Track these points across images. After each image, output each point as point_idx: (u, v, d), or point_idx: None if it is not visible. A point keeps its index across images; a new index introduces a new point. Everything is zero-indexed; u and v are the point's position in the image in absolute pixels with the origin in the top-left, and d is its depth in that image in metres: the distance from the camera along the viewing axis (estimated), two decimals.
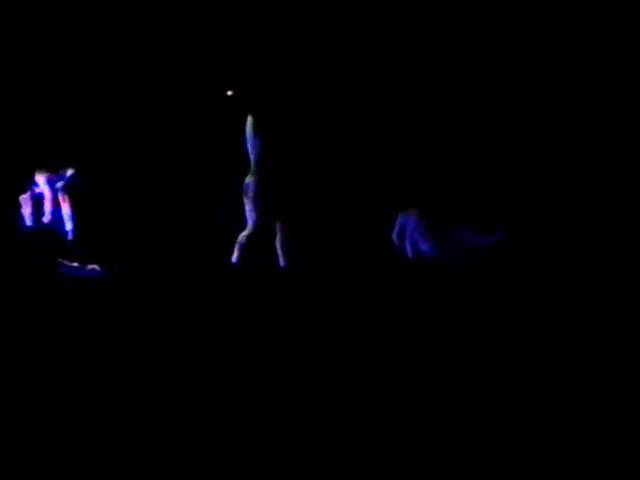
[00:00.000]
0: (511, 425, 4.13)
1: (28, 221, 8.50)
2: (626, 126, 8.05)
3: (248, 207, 7.42)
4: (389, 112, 8.35)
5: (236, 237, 8.12)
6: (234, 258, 7.48)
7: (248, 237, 7.48)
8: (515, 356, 4.84)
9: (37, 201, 8.62)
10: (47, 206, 8.59)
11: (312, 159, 7.63)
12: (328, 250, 7.63)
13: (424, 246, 7.57)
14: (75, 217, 8.49)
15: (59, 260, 7.86)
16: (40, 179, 8.59)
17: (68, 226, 8.47)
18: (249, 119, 7.31)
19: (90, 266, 7.83)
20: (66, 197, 8.51)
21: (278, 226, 7.46)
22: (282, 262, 7.48)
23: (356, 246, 7.83)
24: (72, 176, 8.62)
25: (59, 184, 8.61)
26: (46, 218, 8.58)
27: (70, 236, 8.47)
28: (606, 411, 4.16)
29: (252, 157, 7.34)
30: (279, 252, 7.47)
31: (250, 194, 7.36)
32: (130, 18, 8.70)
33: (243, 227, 8.00)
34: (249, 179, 7.37)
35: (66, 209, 8.50)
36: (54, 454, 4.11)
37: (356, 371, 4.90)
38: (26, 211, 8.59)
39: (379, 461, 3.90)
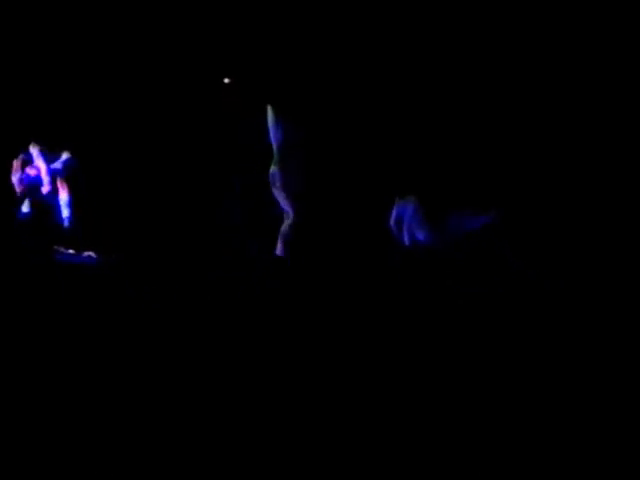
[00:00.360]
0: (510, 425, 4.13)
1: (24, 207, 8.48)
2: (627, 125, 8.03)
3: (281, 197, 7.32)
4: (391, 102, 8.32)
5: (235, 227, 8.11)
6: (279, 251, 7.33)
7: (292, 226, 7.34)
8: (515, 356, 4.84)
9: (32, 186, 8.58)
10: (45, 179, 8.53)
11: (323, 149, 7.57)
12: (329, 239, 7.56)
13: (421, 235, 7.57)
14: (72, 204, 8.45)
15: (55, 247, 7.85)
16: (34, 151, 8.52)
17: (65, 213, 8.43)
18: (269, 109, 7.27)
19: (86, 253, 7.82)
20: (65, 184, 8.47)
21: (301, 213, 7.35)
22: (280, 251, 7.38)
23: (356, 234, 7.78)
24: (68, 160, 8.57)
25: (55, 165, 8.55)
26: (45, 189, 8.52)
27: (67, 223, 8.43)
28: (606, 411, 4.17)
29: (275, 146, 7.28)
30: (282, 241, 7.35)
31: (278, 184, 7.27)
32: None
33: (244, 218, 8.00)
34: (274, 169, 7.30)
35: (64, 196, 8.46)
36: (49, 444, 4.10)
37: (353, 365, 4.89)
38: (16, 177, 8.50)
39: (380, 458, 3.90)
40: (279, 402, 4.41)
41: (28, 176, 8.47)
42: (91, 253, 7.79)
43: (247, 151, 8.61)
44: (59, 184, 8.46)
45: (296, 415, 4.31)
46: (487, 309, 5.54)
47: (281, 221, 7.60)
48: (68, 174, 8.50)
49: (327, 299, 6.00)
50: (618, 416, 4.17)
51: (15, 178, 8.47)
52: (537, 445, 3.95)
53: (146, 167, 8.71)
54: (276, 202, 7.38)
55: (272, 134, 7.31)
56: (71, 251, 7.84)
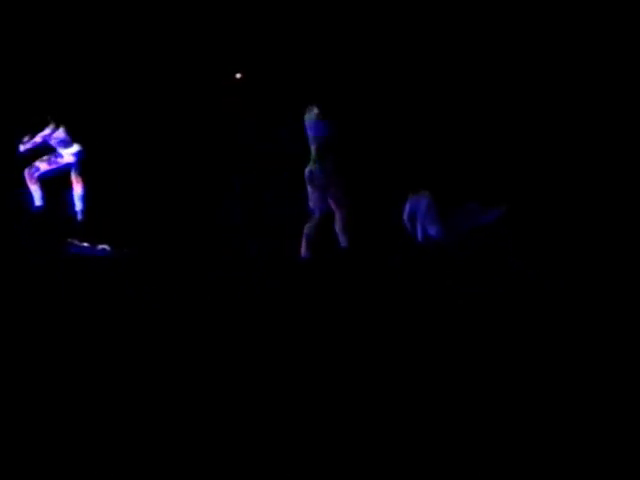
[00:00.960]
0: (511, 423, 4.22)
1: (37, 200, 8.55)
2: (628, 124, 8.09)
3: (314, 196, 7.28)
4: (407, 99, 8.41)
5: (237, 219, 8.21)
6: (303, 253, 7.33)
7: (316, 227, 7.32)
8: (515, 355, 4.92)
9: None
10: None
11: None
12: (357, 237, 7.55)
13: (433, 230, 7.64)
14: (86, 197, 8.51)
15: (69, 240, 7.94)
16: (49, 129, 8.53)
17: (78, 206, 8.50)
18: (314, 109, 7.26)
19: (100, 246, 7.92)
20: (79, 178, 8.53)
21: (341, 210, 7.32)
22: (343, 243, 7.33)
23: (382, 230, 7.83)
24: (79, 153, 8.61)
25: (68, 158, 8.60)
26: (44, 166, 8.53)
27: (80, 216, 8.50)
28: (606, 410, 4.25)
29: (315, 146, 7.23)
30: (306, 240, 7.34)
31: (317, 182, 7.25)
32: None
33: (244, 213, 8.11)
34: (313, 167, 7.25)
35: (78, 190, 8.50)
36: (55, 426, 4.22)
37: (354, 362, 5.00)
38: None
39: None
40: (280, 401, 4.48)
41: (38, 169, 8.53)
42: (105, 246, 7.89)
43: (247, 151, 8.73)
44: (73, 178, 8.52)
45: (297, 413, 4.38)
46: (487, 309, 5.63)
47: (284, 221, 7.72)
48: (84, 169, 8.54)
49: (342, 295, 6.11)
50: (618, 415, 4.22)
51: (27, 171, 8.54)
52: (537, 443, 4.03)
53: (148, 167, 8.76)
54: (306, 200, 7.34)
55: (313, 133, 7.23)
56: (85, 244, 7.94)
